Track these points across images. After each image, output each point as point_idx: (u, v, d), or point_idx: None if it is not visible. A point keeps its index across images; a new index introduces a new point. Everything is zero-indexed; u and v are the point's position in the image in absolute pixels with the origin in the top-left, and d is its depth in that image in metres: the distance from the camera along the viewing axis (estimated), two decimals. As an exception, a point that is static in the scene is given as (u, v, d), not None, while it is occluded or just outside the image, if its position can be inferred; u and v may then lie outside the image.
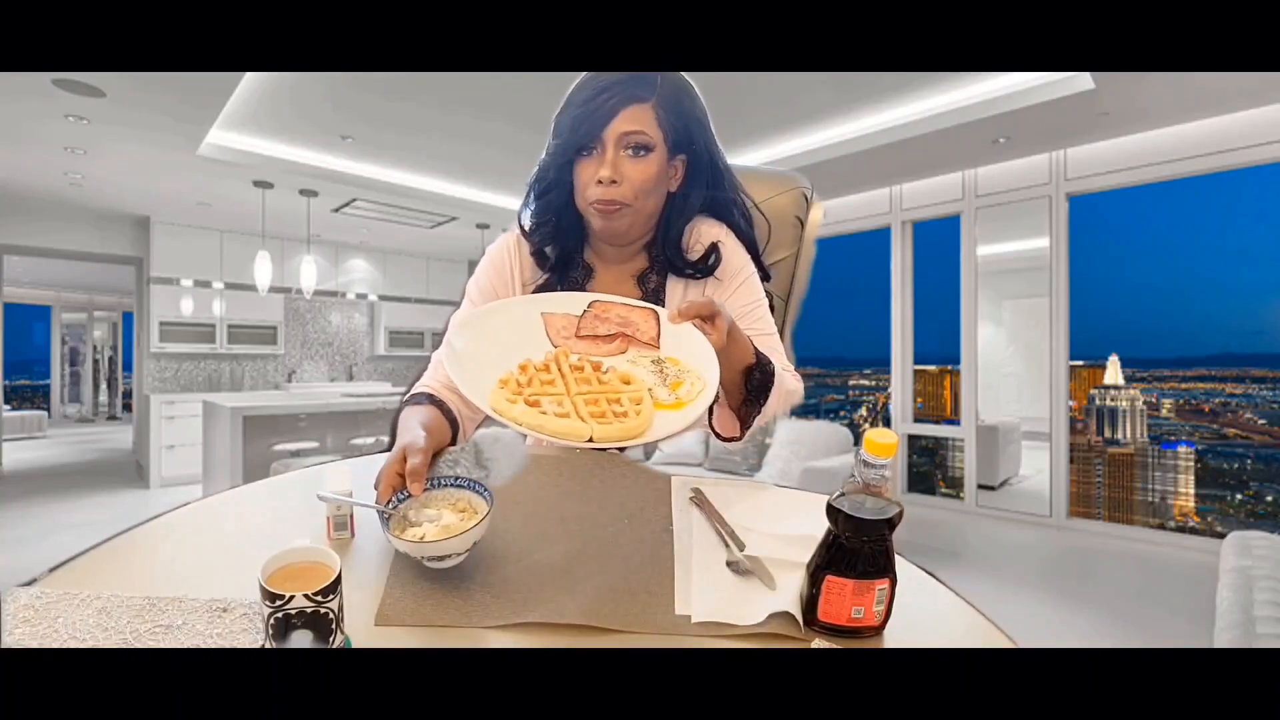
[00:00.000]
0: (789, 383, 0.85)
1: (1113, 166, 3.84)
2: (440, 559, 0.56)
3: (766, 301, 0.93)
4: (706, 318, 0.68)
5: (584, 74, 0.83)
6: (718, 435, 0.86)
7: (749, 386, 0.79)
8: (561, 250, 0.91)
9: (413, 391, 0.85)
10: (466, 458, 0.80)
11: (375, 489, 0.61)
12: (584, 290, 0.91)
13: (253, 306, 6.14)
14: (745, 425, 0.82)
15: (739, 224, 0.93)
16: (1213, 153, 3.52)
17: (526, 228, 0.92)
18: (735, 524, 0.68)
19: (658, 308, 0.74)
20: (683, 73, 0.85)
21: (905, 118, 3.56)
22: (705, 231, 0.91)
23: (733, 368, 0.76)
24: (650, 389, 0.61)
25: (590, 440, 0.55)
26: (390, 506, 0.59)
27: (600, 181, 0.80)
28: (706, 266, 0.89)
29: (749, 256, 0.93)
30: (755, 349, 0.78)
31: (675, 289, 0.91)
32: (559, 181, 0.86)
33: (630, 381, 0.62)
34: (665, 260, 0.91)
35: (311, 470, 0.79)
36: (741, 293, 0.90)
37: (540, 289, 0.91)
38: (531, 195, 0.90)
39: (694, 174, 0.87)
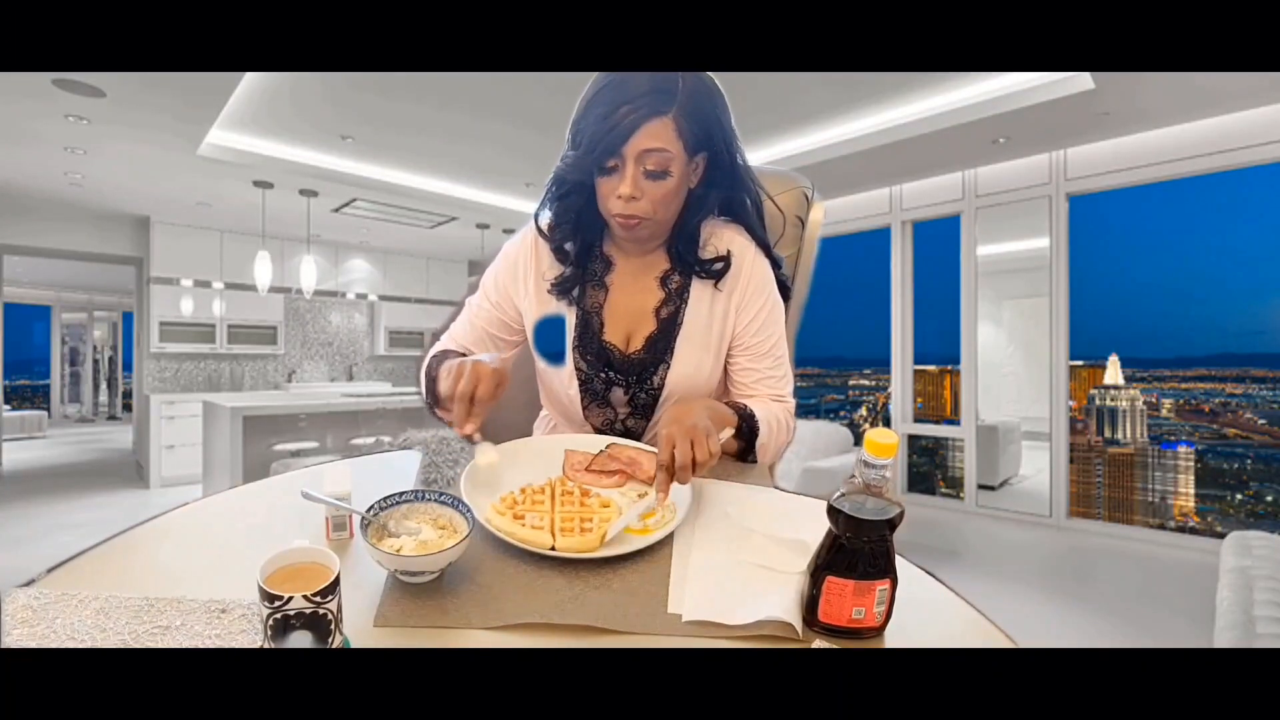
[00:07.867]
0: (781, 420, 0.92)
1: (1113, 166, 3.84)
2: (413, 574, 0.56)
3: (782, 316, 0.95)
4: (685, 466, 0.69)
5: (599, 74, 0.81)
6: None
7: (740, 437, 0.86)
8: (580, 244, 0.92)
9: (443, 348, 0.95)
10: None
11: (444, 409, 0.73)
12: (603, 283, 0.93)
13: (253, 306, 6.13)
14: (749, 462, 0.90)
15: (754, 224, 0.94)
16: (1213, 153, 3.51)
17: (545, 228, 0.93)
18: (735, 526, 0.68)
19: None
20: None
21: (905, 118, 3.56)
22: (727, 238, 0.92)
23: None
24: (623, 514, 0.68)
25: (552, 548, 0.61)
26: (371, 513, 0.58)
27: (620, 197, 0.80)
28: (712, 270, 0.90)
29: (772, 274, 0.94)
30: (735, 412, 0.85)
31: (702, 294, 0.92)
32: (579, 185, 0.86)
33: (608, 506, 0.68)
34: (681, 256, 0.92)
35: (311, 470, 0.79)
36: (758, 307, 0.92)
37: (560, 282, 0.92)
38: (550, 197, 0.91)
39: (714, 171, 0.86)
